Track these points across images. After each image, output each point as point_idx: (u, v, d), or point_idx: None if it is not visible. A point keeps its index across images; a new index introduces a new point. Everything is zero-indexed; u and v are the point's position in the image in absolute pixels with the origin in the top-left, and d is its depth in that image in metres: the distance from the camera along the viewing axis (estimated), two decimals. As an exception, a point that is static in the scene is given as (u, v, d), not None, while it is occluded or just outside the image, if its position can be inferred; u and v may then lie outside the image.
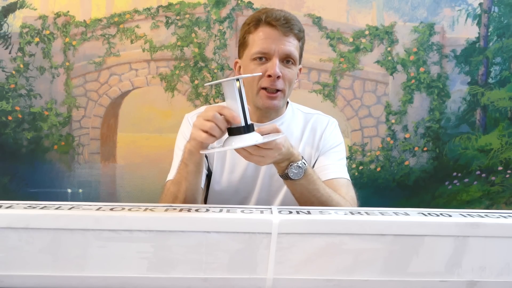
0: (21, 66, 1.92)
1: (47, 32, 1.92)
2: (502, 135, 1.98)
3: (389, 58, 1.95)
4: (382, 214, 0.74)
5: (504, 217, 0.74)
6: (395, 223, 0.71)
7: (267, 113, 1.14)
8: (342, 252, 0.70)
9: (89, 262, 0.69)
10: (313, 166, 1.15)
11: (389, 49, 1.95)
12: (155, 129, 1.96)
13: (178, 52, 1.94)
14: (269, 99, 1.07)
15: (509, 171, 1.99)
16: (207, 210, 0.74)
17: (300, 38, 1.09)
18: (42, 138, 1.96)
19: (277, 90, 1.07)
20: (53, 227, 0.68)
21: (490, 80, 1.97)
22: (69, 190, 1.98)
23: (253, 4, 1.92)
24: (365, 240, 0.70)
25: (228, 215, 0.71)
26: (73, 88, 1.95)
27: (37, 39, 1.92)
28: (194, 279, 0.70)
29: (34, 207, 0.71)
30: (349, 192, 1.08)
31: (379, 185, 1.99)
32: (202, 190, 1.11)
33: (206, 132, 0.79)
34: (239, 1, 1.92)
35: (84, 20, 1.92)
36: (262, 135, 0.83)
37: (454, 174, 2.00)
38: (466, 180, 2.00)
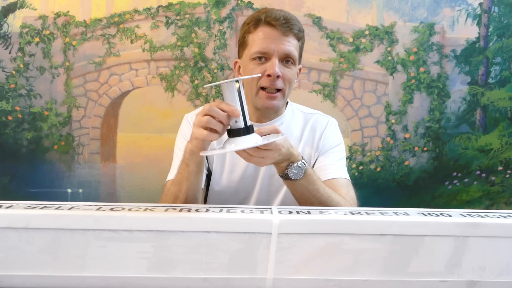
0: (21, 66, 1.92)
1: (47, 32, 1.92)
2: (502, 135, 1.98)
3: (389, 58, 1.95)
4: (382, 214, 0.74)
5: (504, 217, 0.74)
6: (395, 223, 0.71)
7: (267, 113, 1.14)
8: (342, 252, 0.70)
9: (89, 262, 0.69)
10: (313, 166, 1.15)
11: (389, 49, 1.95)
12: (155, 129, 1.96)
13: (178, 52, 1.94)
14: (268, 99, 1.07)
15: (509, 171, 1.99)
16: (207, 210, 0.74)
17: (300, 38, 1.09)
18: (42, 138, 1.96)
19: (277, 90, 1.07)
20: (53, 227, 0.68)
21: (490, 80, 1.97)
22: (69, 190, 1.98)
23: (253, 4, 1.92)
24: (365, 240, 0.70)
25: (228, 215, 0.71)
26: (73, 88, 1.95)
27: (37, 39, 1.92)
28: (194, 279, 0.69)
29: (34, 207, 0.71)
30: (349, 192, 1.08)
31: (379, 185, 1.99)
32: (202, 190, 1.11)
33: (206, 128, 0.79)
34: (239, 1, 1.92)
35: (84, 20, 1.92)
36: (261, 136, 0.83)
37: (454, 174, 2.00)
38: (466, 180, 2.00)
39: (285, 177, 0.93)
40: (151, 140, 1.96)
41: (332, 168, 1.12)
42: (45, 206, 0.72)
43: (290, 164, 0.91)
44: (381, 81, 1.97)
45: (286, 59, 1.06)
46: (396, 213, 0.74)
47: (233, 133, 0.78)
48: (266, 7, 1.15)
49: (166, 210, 0.74)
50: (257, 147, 0.79)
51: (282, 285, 0.70)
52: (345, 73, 1.96)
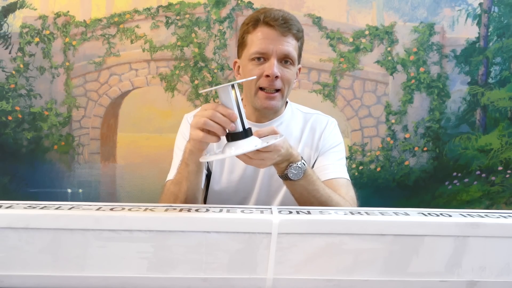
0: (21, 66, 1.92)
1: (47, 32, 1.92)
2: (502, 135, 1.98)
3: (389, 58, 1.95)
4: (382, 214, 0.74)
5: (504, 217, 0.74)
6: (395, 223, 0.71)
7: (266, 113, 1.14)
8: (342, 252, 0.70)
9: (89, 262, 0.69)
10: (313, 166, 1.15)
11: (389, 49, 1.95)
12: (155, 129, 1.96)
13: (178, 52, 1.94)
14: (267, 99, 1.07)
15: (509, 171, 1.99)
16: (207, 210, 0.74)
17: (299, 38, 1.09)
18: (42, 138, 1.96)
19: (276, 90, 1.07)
20: (53, 227, 0.68)
21: (490, 80, 1.97)
22: (69, 190, 1.98)
23: (253, 4, 1.92)
24: (365, 240, 0.70)
25: (228, 215, 0.71)
26: (73, 88, 1.95)
27: (37, 39, 1.92)
28: (194, 279, 0.69)
29: (34, 207, 0.71)
30: (349, 192, 1.08)
31: (379, 185, 1.99)
32: (202, 190, 1.11)
33: (203, 130, 0.79)
34: (239, 1, 1.92)
35: (84, 20, 1.92)
36: (260, 138, 0.83)
37: (454, 174, 2.00)
38: (466, 180, 2.00)
39: (284, 177, 0.93)
40: (151, 140, 1.96)
41: (332, 168, 1.12)
42: (45, 206, 0.72)
43: (290, 165, 0.91)
44: (381, 81, 1.97)
45: (285, 60, 1.06)
46: (396, 213, 0.74)
47: (232, 137, 0.78)
48: (265, 7, 1.14)
49: (166, 210, 0.74)
50: (256, 150, 0.79)
51: (282, 285, 0.70)
52: (345, 73, 1.96)
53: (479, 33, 1.95)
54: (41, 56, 1.93)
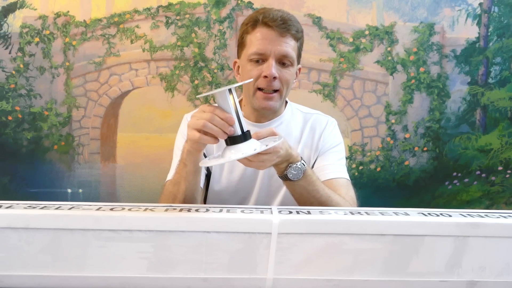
0: (21, 66, 1.92)
1: (47, 32, 1.92)
2: (502, 135, 1.98)
3: (389, 58, 1.95)
4: (382, 214, 0.74)
5: (504, 217, 0.74)
6: (395, 223, 0.71)
7: (265, 113, 1.14)
8: (342, 252, 0.70)
9: (89, 262, 0.69)
10: (313, 166, 1.14)
11: (389, 49, 1.95)
12: (155, 129, 1.96)
13: (178, 52, 1.94)
14: (265, 100, 1.07)
15: (509, 171, 1.99)
16: (207, 210, 0.74)
17: (298, 38, 1.09)
18: (42, 138, 1.96)
19: (274, 91, 1.07)
20: (53, 227, 0.68)
21: (490, 80, 1.97)
22: (69, 190, 1.98)
23: (253, 4, 1.92)
24: (365, 240, 0.70)
25: (228, 215, 0.71)
26: (73, 88, 1.95)
27: (37, 39, 1.92)
28: (194, 279, 0.70)
29: (34, 207, 0.71)
30: (349, 192, 1.08)
31: (379, 185, 1.99)
32: (201, 190, 1.11)
33: (199, 131, 0.79)
34: (239, 1, 1.92)
35: (84, 20, 1.92)
36: (259, 139, 0.83)
37: (454, 174, 2.00)
38: (466, 180, 2.00)
39: (284, 178, 0.93)
40: (151, 140, 1.96)
41: (332, 168, 1.12)
42: (45, 206, 0.72)
43: (289, 165, 0.91)
44: (381, 81, 1.97)
45: (283, 60, 1.06)
46: (396, 213, 0.74)
47: (231, 140, 0.78)
48: (265, 7, 1.14)
49: (166, 210, 0.74)
50: None
51: (282, 285, 0.70)
52: (345, 73, 1.96)
53: (479, 33, 1.95)
54: (41, 56, 1.93)
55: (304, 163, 0.92)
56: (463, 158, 1.99)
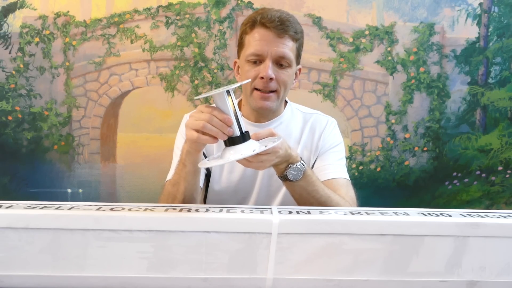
0: (21, 66, 1.92)
1: (47, 32, 1.92)
2: (502, 135, 1.98)
3: (389, 58, 1.95)
4: (382, 214, 0.74)
5: (504, 217, 0.74)
6: (395, 223, 0.71)
7: (264, 113, 1.13)
8: (342, 252, 0.70)
9: (89, 262, 0.69)
10: (312, 166, 1.14)
11: (389, 49, 1.95)
12: (155, 129, 1.96)
13: (178, 52, 1.94)
14: (262, 100, 1.07)
15: (509, 171, 1.99)
16: (207, 210, 0.74)
17: (297, 39, 1.08)
18: (42, 138, 1.96)
19: (271, 91, 1.07)
20: (53, 227, 0.68)
21: (490, 80, 1.97)
22: (69, 190, 1.98)
23: (253, 4, 1.92)
24: (365, 240, 0.70)
25: (228, 215, 0.71)
26: (73, 88, 1.95)
27: (37, 39, 1.92)
28: (194, 279, 0.70)
29: (34, 207, 0.71)
30: (349, 192, 1.07)
31: (379, 185, 1.99)
32: (201, 190, 1.11)
33: (198, 131, 0.79)
34: (239, 1, 1.92)
35: (84, 20, 1.92)
36: (258, 140, 0.83)
37: (454, 174, 2.00)
38: (466, 180, 2.00)
39: (284, 178, 0.93)
40: (151, 140, 1.96)
41: (332, 168, 1.12)
42: (45, 206, 0.72)
43: (289, 166, 0.91)
44: (381, 81, 1.97)
45: (281, 61, 1.06)
46: (396, 213, 0.74)
47: (230, 141, 0.79)
48: (265, 7, 1.14)
49: (166, 210, 0.74)
50: None
51: (282, 285, 0.70)
52: (345, 73, 1.96)
53: (479, 33, 1.95)
54: (41, 56, 1.93)
55: (304, 163, 0.92)
56: (463, 158, 1.99)
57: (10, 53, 1.92)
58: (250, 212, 0.72)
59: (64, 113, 1.95)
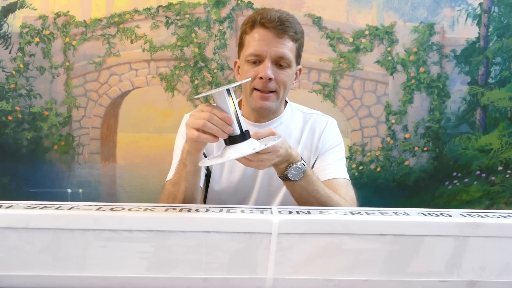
0: (21, 66, 1.92)
1: (47, 32, 1.92)
2: (502, 135, 1.98)
3: (389, 58, 1.95)
4: (382, 214, 0.74)
5: (504, 217, 0.74)
6: (395, 223, 0.71)
7: (263, 113, 1.13)
8: (342, 252, 0.70)
9: (89, 262, 0.69)
10: (312, 166, 1.14)
11: (389, 49, 1.95)
12: (155, 129, 1.96)
13: (178, 52, 1.94)
14: (261, 100, 1.07)
15: (509, 171, 1.99)
16: (207, 210, 0.74)
17: (297, 39, 1.08)
18: (42, 138, 1.96)
19: (271, 91, 1.07)
20: (53, 227, 0.68)
21: (490, 80, 1.97)
22: (69, 190, 1.98)
23: (253, 4, 1.92)
24: (365, 240, 0.70)
25: (228, 215, 0.71)
26: (73, 88, 1.95)
27: (37, 39, 1.92)
28: (194, 279, 0.70)
29: (34, 207, 0.71)
30: (349, 192, 1.07)
31: (379, 185, 1.99)
32: (201, 190, 1.11)
33: (198, 129, 0.79)
34: (239, 1, 1.92)
35: (84, 20, 1.92)
36: (258, 139, 0.83)
37: (454, 174, 2.00)
38: (466, 180, 2.00)
39: (284, 178, 0.93)
40: (151, 140, 1.97)
41: (332, 168, 1.12)
42: (45, 206, 0.72)
43: (289, 165, 0.91)
44: (381, 81, 1.97)
45: (280, 62, 1.06)
46: (396, 213, 0.74)
47: (230, 140, 0.79)
48: (265, 7, 1.14)
49: (166, 210, 0.74)
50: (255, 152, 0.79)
51: (282, 285, 0.70)
52: (345, 73, 1.96)
53: (479, 33, 1.95)
54: (41, 56, 1.93)
55: (304, 163, 0.92)
56: (463, 158, 1.99)
57: (10, 53, 1.92)
58: (250, 212, 0.72)
59: (64, 113, 1.95)
